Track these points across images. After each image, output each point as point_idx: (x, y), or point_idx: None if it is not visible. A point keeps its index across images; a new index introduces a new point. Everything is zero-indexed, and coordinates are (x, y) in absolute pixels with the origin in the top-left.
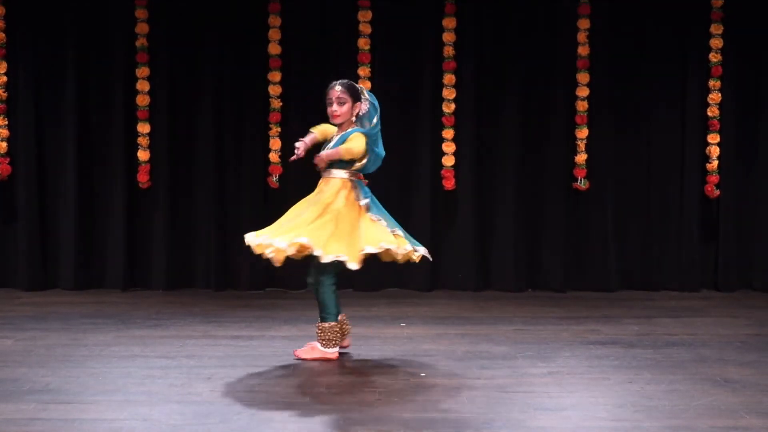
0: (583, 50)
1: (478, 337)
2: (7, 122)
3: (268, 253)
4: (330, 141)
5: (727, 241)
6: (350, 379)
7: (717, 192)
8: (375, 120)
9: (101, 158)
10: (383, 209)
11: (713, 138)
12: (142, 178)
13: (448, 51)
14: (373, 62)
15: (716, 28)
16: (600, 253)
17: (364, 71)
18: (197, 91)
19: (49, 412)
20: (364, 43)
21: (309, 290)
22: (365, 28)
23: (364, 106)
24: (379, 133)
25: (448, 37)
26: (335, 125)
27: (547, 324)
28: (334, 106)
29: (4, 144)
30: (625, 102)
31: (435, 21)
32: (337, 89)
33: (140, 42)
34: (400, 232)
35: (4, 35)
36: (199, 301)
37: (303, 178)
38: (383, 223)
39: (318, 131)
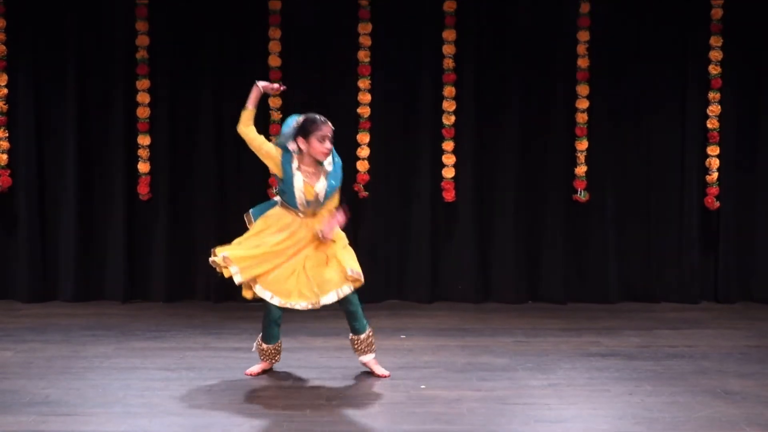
0: (582, 62)
1: (478, 349)
2: (7, 134)
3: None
4: (317, 175)
5: (727, 252)
6: (351, 391)
7: (717, 203)
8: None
9: (101, 170)
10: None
11: (713, 150)
12: (143, 189)
13: (448, 63)
14: (372, 74)
15: (716, 41)
16: (600, 264)
17: (363, 83)
18: (197, 103)
19: (48, 424)
20: (364, 56)
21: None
22: (365, 41)
23: None
24: None
25: (448, 49)
26: (319, 162)
27: (548, 336)
28: (328, 143)
29: (5, 156)
30: (624, 114)
31: (435, 33)
32: (330, 127)
33: (140, 54)
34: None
35: (4, 47)
36: (199, 312)
37: None
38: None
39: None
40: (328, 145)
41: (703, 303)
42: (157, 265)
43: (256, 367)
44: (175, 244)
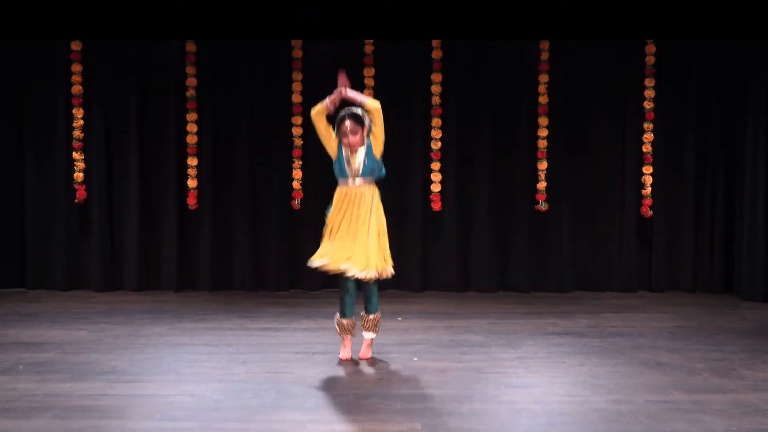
0: (543, 99)
1: (460, 329)
2: (83, 157)
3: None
4: (355, 155)
5: (658, 251)
6: (357, 363)
7: (650, 212)
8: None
9: (158, 184)
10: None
11: (647, 169)
12: (191, 201)
13: (436, 100)
14: None
15: (649, 82)
16: (557, 261)
17: None
18: (235, 130)
19: (115, 389)
20: (368, 93)
21: (324, 291)
22: (369, 82)
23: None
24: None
25: (436, 89)
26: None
27: (515, 318)
28: (348, 138)
29: (81, 174)
30: (577, 139)
31: (425, 76)
32: (347, 124)
33: (190, 93)
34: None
35: (81, 88)
36: (237, 300)
37: (319, 202)
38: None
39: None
40: (347, 139)
41: (640, 292)
42: (203, 261)
43: (343, 350)
44: (217, 244)
